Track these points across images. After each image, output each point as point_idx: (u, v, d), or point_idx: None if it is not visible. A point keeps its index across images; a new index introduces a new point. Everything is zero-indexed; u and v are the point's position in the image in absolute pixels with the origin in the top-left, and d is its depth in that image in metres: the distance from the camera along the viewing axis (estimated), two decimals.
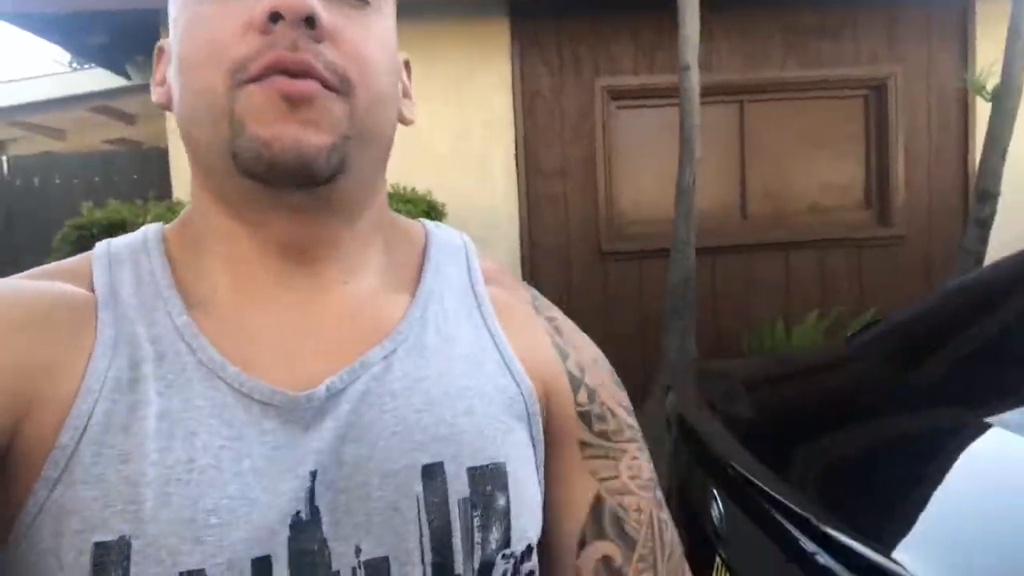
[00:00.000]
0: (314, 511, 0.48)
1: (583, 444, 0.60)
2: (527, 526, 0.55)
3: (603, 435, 0.61)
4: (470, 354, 0.57)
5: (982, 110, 5.46)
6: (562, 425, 0.60)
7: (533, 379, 0.59)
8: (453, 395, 0.54)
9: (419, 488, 0.50)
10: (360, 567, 0.48)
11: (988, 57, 5.02)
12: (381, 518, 0.49)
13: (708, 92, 4.94)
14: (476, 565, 0.52)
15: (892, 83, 5.45)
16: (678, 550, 0.61)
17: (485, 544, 0.52)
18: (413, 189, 4.81)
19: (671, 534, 0.61)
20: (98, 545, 0.47)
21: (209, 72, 0.52)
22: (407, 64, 0.67)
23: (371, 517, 0.49)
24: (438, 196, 4.91)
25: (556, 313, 0.67)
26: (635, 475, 0.61)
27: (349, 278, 0.58)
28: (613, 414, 0.62)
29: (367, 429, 0.51)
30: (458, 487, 0.52)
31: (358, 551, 0.48)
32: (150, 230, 0.61)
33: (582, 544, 0.58)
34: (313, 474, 0.49)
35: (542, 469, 0.59)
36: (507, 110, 5.39)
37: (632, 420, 0.64)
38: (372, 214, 0.61)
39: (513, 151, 5.40)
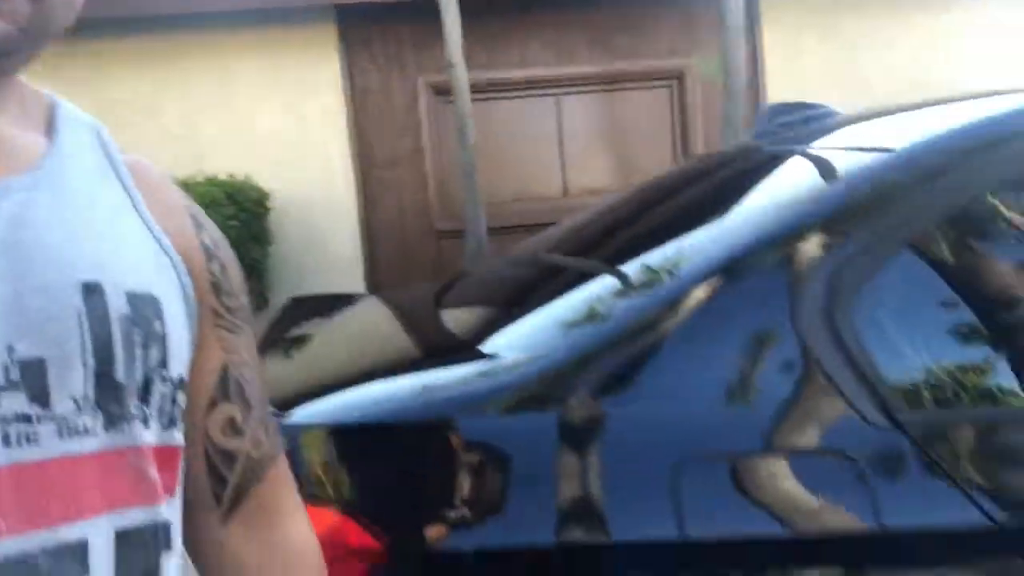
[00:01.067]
0: None
1: (215, 313, 0.63)
2: (181, 358, 0.57)
3: (230, 310, 0.64)
4: (112, 204, 0.57)
5: (773, 95, 6.09)
6: (199, 289, 0.61)
7: (173, 242, 0.60)
8: (101, 225, 0.54)
9: (79, 301, 0.50)
10: (13, 365, 0.47)
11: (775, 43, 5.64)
12: (38, 325, 0.48)
13: (526, 86, 5.54)
14: (138, 378, 0.52)
15: (689, 73, 6.06)
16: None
17: (146, 360, 0.53)
18: (245, 176, 5.36)
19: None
20: None
21: None
22: None
23: (27, 322, 0.48)
24: (276, 191, 5.47)
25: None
26: (251, 352, 0.66)
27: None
28: (238, 294, 0.66)
29: (19, 247, 0.49)
30: (118, 305, 0.51)
31: (11, 350, 0.47)
32: None
33: (212, 404, 0.62)
34: None
35: (193, 323, 0.60)
36: (340, 107, 5.96)
37: (247, 304, 0.69)
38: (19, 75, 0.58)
39: (347, 145, 5.96)
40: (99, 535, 0.50)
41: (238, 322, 0.65)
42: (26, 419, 0.47)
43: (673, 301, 1.23)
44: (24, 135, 0.55)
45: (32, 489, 0.47)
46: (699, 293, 1.23)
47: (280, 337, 1.94)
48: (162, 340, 0.54)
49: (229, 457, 0.64)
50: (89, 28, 5.18)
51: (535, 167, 6.09)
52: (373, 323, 1.97)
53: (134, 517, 0.52)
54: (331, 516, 1.12)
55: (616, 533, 1.10)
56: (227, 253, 0.67)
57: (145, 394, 0.53)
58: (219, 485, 0.64)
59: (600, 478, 1.11)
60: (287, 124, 5.89)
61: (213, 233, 0.66)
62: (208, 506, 0.64)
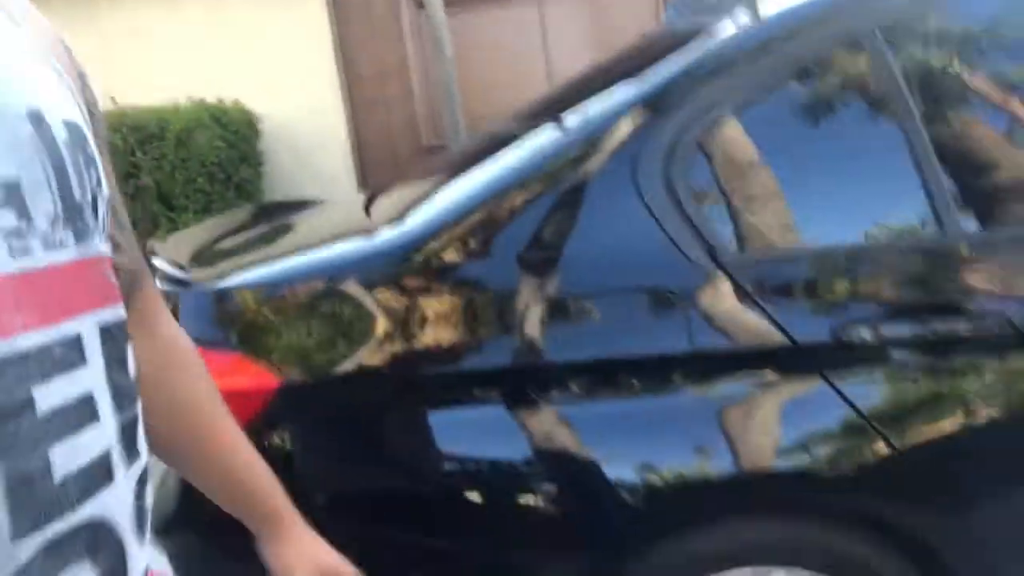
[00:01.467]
0: None
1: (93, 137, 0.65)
2: (105, 182, 0.62)
3: (98, 136, 0.67)
4: (22, 47, 0.59)
5: None
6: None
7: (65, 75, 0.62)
8: (26, 64, 0.57)
9: (31, 129, 0.53)
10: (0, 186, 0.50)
11: None
12: (7, 151, 0.51)
13: None
14: (88, 197, 0.58)
15: None
16: None
17: (89, 180, 0.58)
18: (234, 101, 5.47)
19: None
20: None
21: None
22: None
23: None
24: (266, 114, 5.57)
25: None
26: (112, 176, 0.70)
27: None
28: (101, 123, 0.71)
29: None
30: (61, 134, 0.55)
31: None
32: None
33: None
34: None
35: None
36: (324, 24, 6.00)
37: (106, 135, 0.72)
38: None
39: (334, 64, 6.03)
40: (88, 330, 0.58)
41: (103, 147, 0.69)
42: (19, 233, 0.52)
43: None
44: None
45: (37, 292, 0.54)
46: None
47: (236, 233, 2.11)
48: (95, 162, 0.60)
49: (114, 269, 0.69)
50: None
51: (521, 80, 6.12)
52: (313, 218, 2.13)
53: (107, 315, 0.61)
54: (242, 361, 1.34)
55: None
56: (88, 84, 0.70)
57: (94, 211, 0.59)
58: None
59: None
60: (274, 47, 5.95)
61: (80, 67, 0.69)
62: None
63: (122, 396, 0.63)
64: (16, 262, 0.53)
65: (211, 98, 5.43)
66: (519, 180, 1.39)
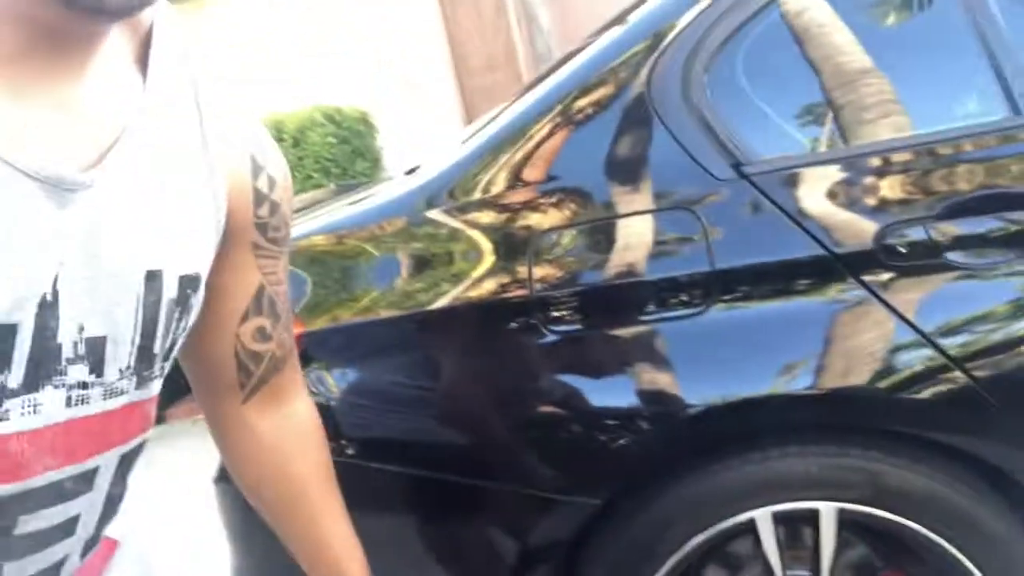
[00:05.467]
0: (55, 293, 0.50)
1: (256, 246, 0.69)
2: (198, 310, 0.63)
3: (274, 241, 0.70)
4: (188, 163, 0.60)
5: None
6: (242, 230, 0.67)
7: (228, 191, 0.64)
8: (171, 208, 0.57)
9: (141, 289, 0.55)
10: (82, 343, 0.52)
11: None
12: (105, 307, 0.53)
13: None
14: (167, 345, 0.60)
15: None
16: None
17: (177, 331, 0.60)
18: (349, 104, 5.65)
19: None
20: None
21: None
22: None
23: (96, 305, 0.52)
24: (379, 107, 5.72)
25: (255, 120, 0.70)
26: (284, 270, 0.74)
27: (96, 63, 0.55)
28: (286, 224, 0.72)
29: (102, 230, 0.52)
30: (171, 290, 0.57)
31: (81, 329, 0.52)
32: None
33: (245, 318, 0.70)
34: (59, 261, 0.50)
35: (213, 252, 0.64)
36: (434, 19, 6.08)
37: (290, 231, 0.74)
38: None
39: (445, 54, 6.11)
40: (108, 461, 0.59)
41: (280, 249, 0.72)
42: (83, 386, 0.54)
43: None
44: (115, 86, 0.56)
45: (76, 437, 0.55)
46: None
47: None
48: (191, 309, 0.61)
49: (257, 357, 0.73)
50: None
51: None
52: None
53: (133, 443, 0.62)
54: None
55: None
56: (282, 192, 0.70)
57: (169, 355, 0.62)
58: (245, 376, 0.73)
59: None
60: (387, 45, 6.10)
61: (272, 171, 0.69)
62: (231, 393, 0.74)
63: (111, 505, 0.64)
64: (69, 412, 0.54)
65: (329, 99, 5.62)
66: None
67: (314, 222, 1.46)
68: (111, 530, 0.69)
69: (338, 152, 5.12)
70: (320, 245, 1.38)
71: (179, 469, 3.31)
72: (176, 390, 0.76)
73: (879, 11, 1.36)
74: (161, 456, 3.66)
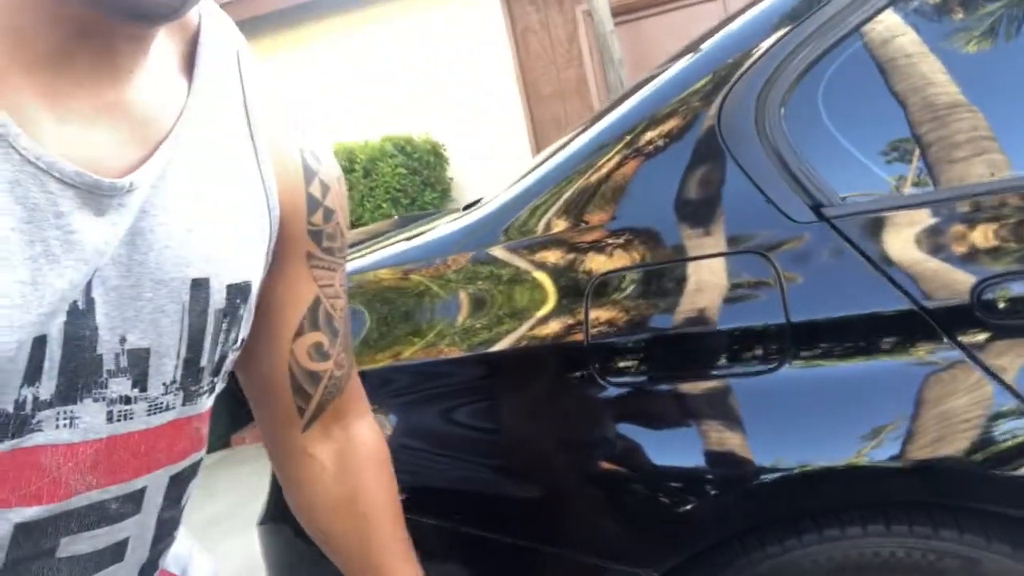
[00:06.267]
0: (90, 301, 0.48)
1: (311, 256, 0.65)
2: (248, 326, 0.61)
3: (329, 251, 0.67)
4: (237, 168, 0.57)
5: None
6: (295, 238, 0.64)
7: (280, 196, 0.61)
8: (219, 213, 0.55)
9: (187, 298, 0.52)
10: (124, 354, 0.50)
11: None
12: (149, 317, 0.51)
13: None
14: (216, 359, 0.57)
15: None
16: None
17: (225, 344, 0.57)
18: (425, 133, 5.68)
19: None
20: None
21: None
22: None
23: (139, 314, 0.50)
24: (452, 142, 5.74)
25: (307, 124, 0.67)
26: (342, 283, 0.70)
27: (143, 66, 0.52)
28: (342, 234, 0.69)
29: (143, 237, 0.50)
30: (218, 300, 0.55)
31: (123, 340, 0.50)
32: None
33: (299, 333, 0.66)
34: (93, 268, 0.48)
35: (266, 263, 0.62)
36: (505, 48, 6.10)
37: (347, 241, 0.71)
38: None
39: (515, 83, 6.11)
40: (156, 481, 0.57)
41: (336, 260, 0.69)
42: (126, 400, 0.52)
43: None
44: (161, 89, 0.54)
45: (119, 455, 0.53)
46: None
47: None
48: (241, 321, 0.59)
49: (314, 377, 0.69)
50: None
51: None
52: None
53: (184, 463, 0.60)
54: None
55: None
56: (336, 199, 0.67)
57: (218, 369, 0.59)
58: (303, 400, 0.69)
59: None
60: (460, 77, 6.13)
61: (326, 176, 0.67)
62: (290, 420, 0.70)
63: (164, 530, 0.61)
64: (110, 428, 0.52)
65: (402, 131, 5.67)
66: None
67: (371, 256, 1.41)
68: (172, 563, 0.66)
69: (408, 182, 5.14)
70: (375, 279, 1.33)
71: (241, 497, 3.31)
72: (241, 416, 0.74)
73: (971, 39, 1.24)
74: (224, 481, 3.68)
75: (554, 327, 1.15)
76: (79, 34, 0.48)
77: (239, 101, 0.59)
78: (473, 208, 1.45)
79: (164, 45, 0.55)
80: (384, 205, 5.18)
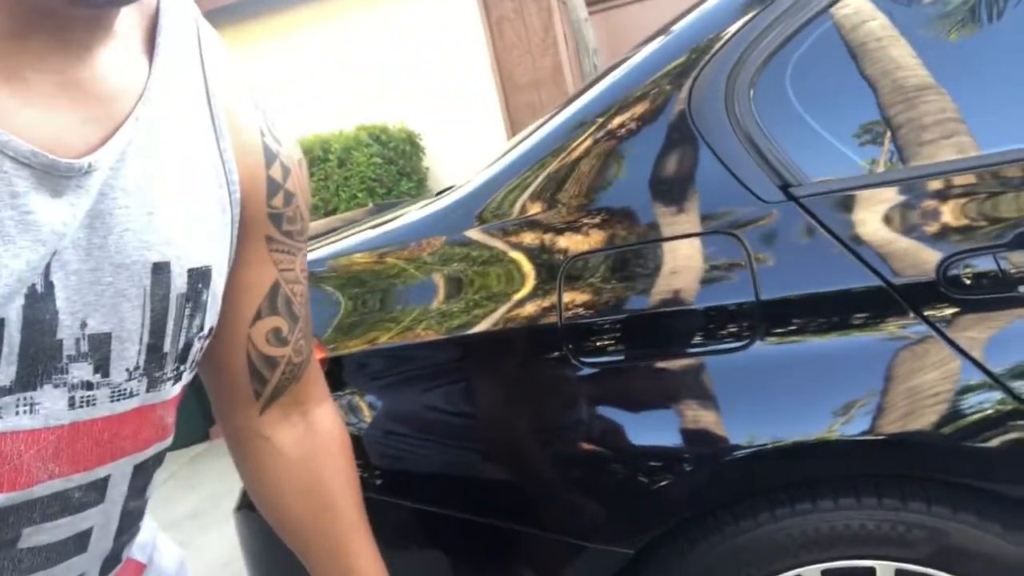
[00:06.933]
0: (49, 285, 0.47)
1: (270, 239, 0.64)
2: (215, 314, 0.60)
3: (289, 235, 0.66)
4: (198, 150, 0.56)
5: None
6: (255, 221, 0.63)
7: (240, 180, 0.60)
8: (180, 196, 0.54)
9: (148, 282, 0.51)
10: (84, 339, 0.49)
11: None
12: (110, 301, 0.50)
13: None
14: (180, 345, 0.56)
15: None
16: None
17: (189, 329, 0.56)
18: (399, 122, 5.66)
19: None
20: None
21: None
22: None
23: (100, 299, 0.49)
24: (428, 132, 5.72)
25: (269, 105, 0.66)
26: (303, 267, 0.69)
27: (104, 42, 0.52)
28: (303, 218, 0.67)
29: (103, 220, 0.49)
30: (179, 284, 0.53)
31: (84, 324, 0.49)
32: None
33: (257, 317, 0.65)
34: (51, 251, 0.47)
35: (231, 249, 0.61)
36: (480, 37, 6.08)
37: (308, 225, 0.70)
38: None
39: (491, 72, 6.09)
40: (120, 470, 0.56)
41: (296, 244, 0.67)
42: (88, 386, 0.51)
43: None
44: (122, 68, 0.53)
45: (82, 442, 0.52)
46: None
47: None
48: (204, 307, 0.57)
49: (272, 362, 0.68)
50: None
51: None
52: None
53: (149, 452, 0.59)
54: None
55: None
56: (296, 182, 0.66)
57: (184, 356, 0.58)
58: (259, 384, 0.69)
59: None
60: (434, 67, 6.11)
61: (286, 159, 0.65)
62: (246, 401, 0.70)
63: (128, 521, 0.60)
64: (72, 414, 0.51)
65: (377, 120, 5.64)
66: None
67: (346, 241, 1.41)
68: (138, 551, 0.65)
69: (384, 172, 5.12)
70: (349, 263, 1.33)
71: (221, 489, 3.30)
72: None
73: (941, 23, 1.25)
74: (203, 474, 3.66)
75: (528, 309, 1.16)
76: (35, 14, 0.47)
77: (200, 82, 0.58)
78: (447, 192, 1.45)
79: (126, 21, 0.55)
80: (360, 195, 5.16)
